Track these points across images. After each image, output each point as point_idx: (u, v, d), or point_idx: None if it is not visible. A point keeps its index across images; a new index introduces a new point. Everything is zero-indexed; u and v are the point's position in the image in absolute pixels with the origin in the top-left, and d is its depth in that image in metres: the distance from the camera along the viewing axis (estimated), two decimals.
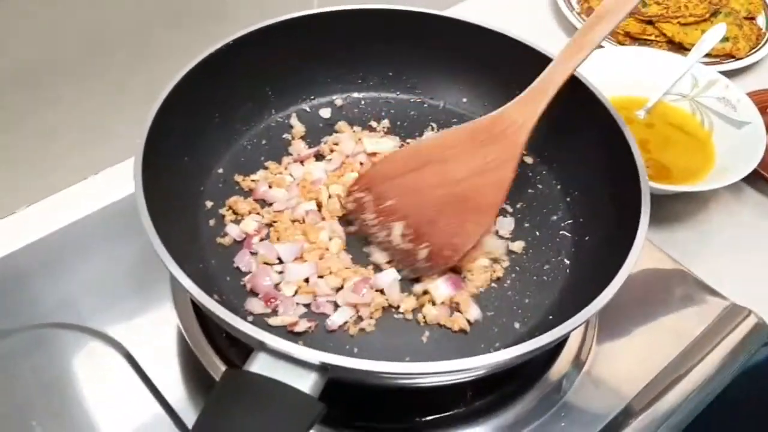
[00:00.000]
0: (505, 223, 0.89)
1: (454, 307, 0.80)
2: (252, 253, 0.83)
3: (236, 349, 0.80)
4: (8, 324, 0.83)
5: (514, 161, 0.81)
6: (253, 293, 0.80)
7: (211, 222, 0.86)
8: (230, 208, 0.88)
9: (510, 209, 0.91)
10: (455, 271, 0.83)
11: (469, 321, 0.79)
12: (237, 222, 0.86)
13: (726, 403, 0.90)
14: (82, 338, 0.82)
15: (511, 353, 0.64)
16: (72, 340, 0.83)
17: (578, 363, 0.85)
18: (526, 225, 0.90)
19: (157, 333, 0.84)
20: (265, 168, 0.93)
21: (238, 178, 0.91)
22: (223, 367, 0.79)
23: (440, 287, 0.81)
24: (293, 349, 0.62)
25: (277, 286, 0.80)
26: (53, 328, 0.83)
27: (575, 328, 0.67)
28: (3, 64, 0.90)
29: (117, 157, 1.04)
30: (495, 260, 0.85)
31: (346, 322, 0.79)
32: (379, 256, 0.83)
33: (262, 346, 0.63)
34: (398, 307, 0.80)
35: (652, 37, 1.38)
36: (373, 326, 0.79)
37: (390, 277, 0.81)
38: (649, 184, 0.79)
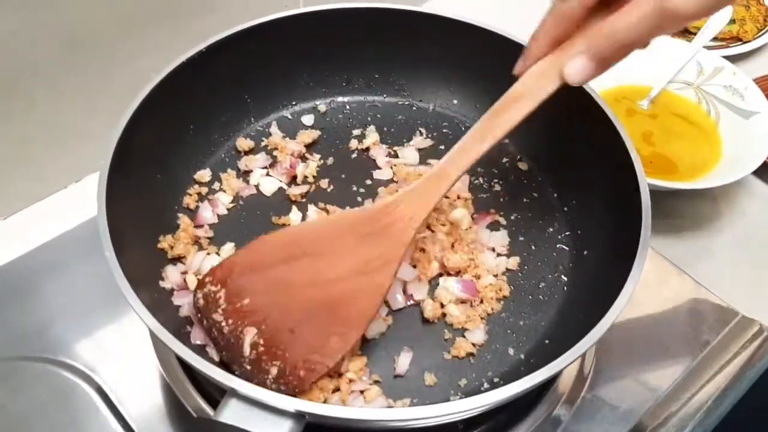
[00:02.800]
0: (498, 237, 0.84)
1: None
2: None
3: (219, 390, 0.75)
4: None
5: (395, 265, 0.70)
6: None
7: None
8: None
9: (503, 221, 0.86)
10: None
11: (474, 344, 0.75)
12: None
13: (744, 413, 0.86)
14: (51, 371, 0.78)
15: (501, 395, 0.60)
16: (40, 373, 0.78)
17: (579, 384, 0.80)
18: (521, 239, 0.85)
19: (133, 365, 0.80)
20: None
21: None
22: (207, 408, 0.74)
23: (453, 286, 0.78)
24: (266, 396, 0.58)
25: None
26: (18, 361, 0.79)
27: (573, 361, 0.62)
28: None
29: (98, 163, 0.98)
30: (496, 276, 0.81)
31: None
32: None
33: (234, 392, 0.59)
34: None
35: None
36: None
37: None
38: (649, 192, 0.74)
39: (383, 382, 0.73)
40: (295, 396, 0.64)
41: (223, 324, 0.70)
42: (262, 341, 0.69)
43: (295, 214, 0.85)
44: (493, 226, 0.85)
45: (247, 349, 0.69)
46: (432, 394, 0.72)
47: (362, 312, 0.70)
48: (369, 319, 0.70)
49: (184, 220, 0.82)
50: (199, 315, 0.73)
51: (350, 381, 0.71)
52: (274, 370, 0.68)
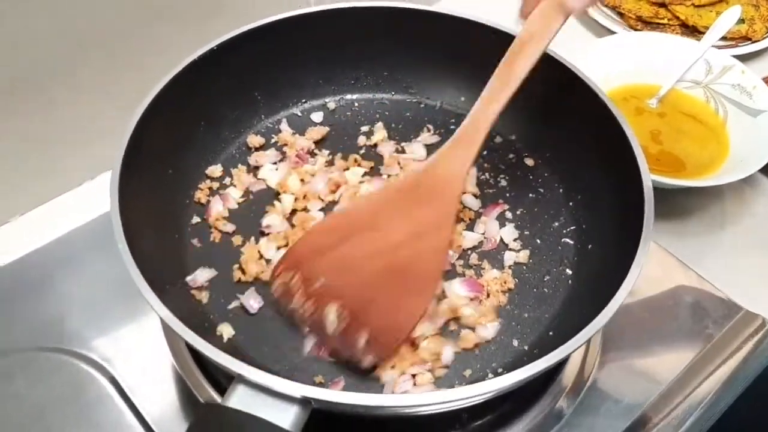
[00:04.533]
0: (507, 233, 0.85)
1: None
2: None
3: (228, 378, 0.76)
4: None
5: (450, 221, 0.73)
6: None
7: (195, 240, 0.83)
8: (214, 227, 0.84)
9: (510, 215, 0.87)
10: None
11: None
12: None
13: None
14: (67, 362, 0.80)
15: (504, 382, 0.60)
16: (56, 364, 0.80)
17: (582, 376, 0.80)
18: (526, 233, 0.86)
19: (145, 356, 0.81)
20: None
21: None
22: (217, 398, 0.75)
23: (456, 287, 0.79)
24: (273, 382, 0.59)
25: None
26: (35, 351, 0.81)
27: (575, 350, 0.63)
28: None
29: (112, 160, 1.00)
30: (502, 269, 0.82)
31: None
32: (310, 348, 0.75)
33: (241, 378, 0.60)
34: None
35: (665, 21, 1.32)
36: None
37: None
38: (652, 187, 0.74)
39: None
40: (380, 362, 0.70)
41: (305, 308, 0.74)
42: (345, 314, 0.71)
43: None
44: (501, 221, 0.86)
45: (330, 327, 0.72)
46: (437, 384, 0.73)
47: (430, 271, 0.73)
48: (438, 277, 0.74)
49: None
50: (280, 307, 0.76)
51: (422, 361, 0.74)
52: (362, 341, 0.71)
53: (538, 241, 0.85)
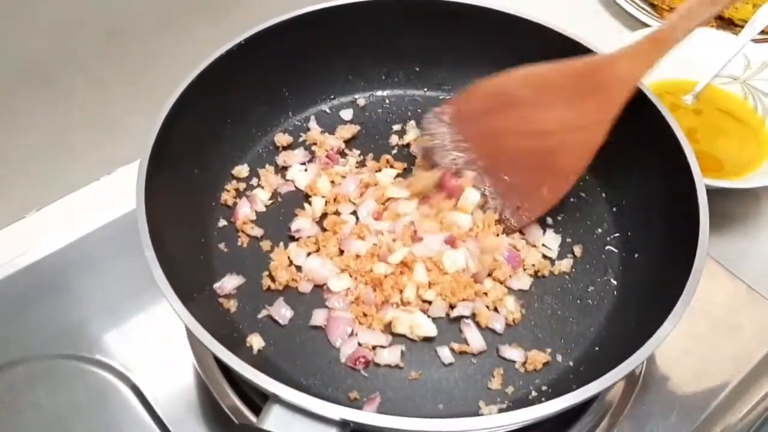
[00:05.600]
0: (550, 239, 0.82)
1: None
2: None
3: (256, 390, 0.73)
4: (9, 355, 0.78)
5: (608, 123, 0.72)
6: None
7: (222, 245, 0.80)
8: (242, 231, 0.81)
9: (550, 221, 0.83)
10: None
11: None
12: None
13: None
14: (87, 370, 0.77)
15: (552, 407, 0.57)
16: (75, 372, 0.77)
17: (626, 394, 0.77)
18: (568, 240, 0.82)
19: (169, 364, 0.78)
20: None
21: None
22: (243, 408, 0.72)
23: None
24: (310, 404, 0.56)
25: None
26: (54, 359, 0.78)
27: (625, 376, 0.59)
28: (13, 59, 0.85)
29: (133, 153, 0.97)
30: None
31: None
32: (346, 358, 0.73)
33: (277, 398, 0.57)
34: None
35: None
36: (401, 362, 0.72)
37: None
38: (706, 194, 0.72)
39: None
40: None
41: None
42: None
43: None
44: (540, 225, 0.82)
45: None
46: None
47: (571, 166, 0.73)
48: (578, 174, 0.73)
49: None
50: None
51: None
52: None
53: (581, 249, 0.81)
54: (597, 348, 0.72)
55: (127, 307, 0.83)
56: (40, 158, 0.95)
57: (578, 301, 0.77)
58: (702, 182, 0.71)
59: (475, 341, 0.73)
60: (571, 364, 0.72)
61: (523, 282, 0.77)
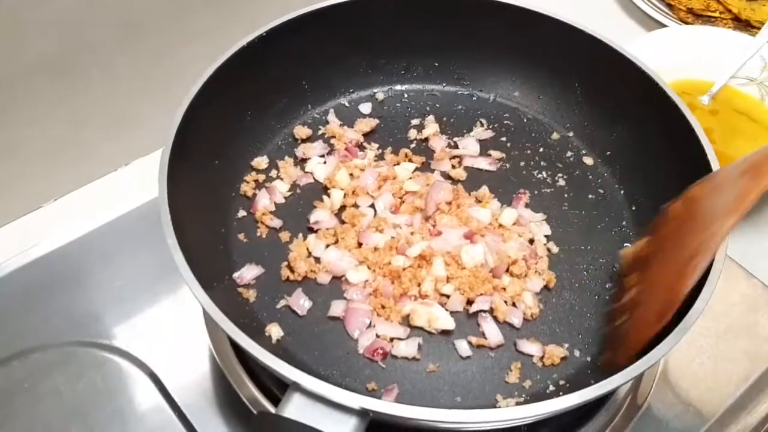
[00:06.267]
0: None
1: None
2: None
3: (274, 379, 0.74)
4: (27, 343, 0.78)
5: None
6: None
7: (241, 235, 0.80)
8: (261, 222, 0.81)
9: (569, 216, 0.83)
10: None
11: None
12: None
13: None
14: (106, 358, 0.78)
15: (569, 401, 0.58)
16: (94, 359, 0.78)
17: (640, 392, 0.77)
18: (585, 236, 0.82)
19: (186, 352, 0.79)
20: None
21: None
22: (260, 397, 0.73)
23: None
24: (331, 392, 0.56)
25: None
26: (73, 346, 0.78)
27: (646, 370, 0.59)
28: (29, 52, 0.85)
29: (148, 145, 0.99)
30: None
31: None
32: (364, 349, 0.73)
33: (297, 387, 0.57)
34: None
35: (717, 14, 1.27)
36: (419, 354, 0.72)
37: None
38: None
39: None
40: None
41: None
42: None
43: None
44: (550, 221, 0.83)
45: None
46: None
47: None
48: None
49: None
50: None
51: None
52: None
53: (599, 246, 0.81)
54: None
55: (144, 297, 0.83)
56: (57, 150, 0.95)
57: (596, 297, 0.76)
58: None
59: (493, 335, 0.73)
60: (588, 359, 0.72)
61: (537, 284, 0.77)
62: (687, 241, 0.67)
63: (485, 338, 0.73)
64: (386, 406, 0.56)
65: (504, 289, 0.76)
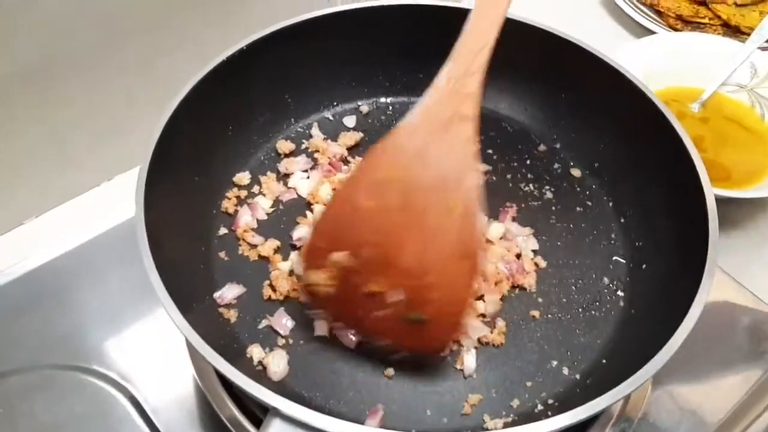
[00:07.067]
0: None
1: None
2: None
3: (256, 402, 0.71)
4: (4, 365, 0.77)
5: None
6: None
7: (222, 253, 0.78)
8: (243, 239, 0.80)
9: (557, 230, 0.82)
10: None
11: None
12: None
13: None
14: (84, 381, 0.76)
15: (562, 421, 0.56)
16: (72, 382, 0.76)
17: (633, 405, 0.75)
18: (574, 250, 0.80)
19: (168, 375, 0.77)
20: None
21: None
22: (243, 420, 0.71)
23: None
24: (311, 418, 0.55)
25: None
26: (51, 369, 0.76)
27: (637, 388, 0.58)
28: (10, 62, 0.84)
29: (132, 159, 0.95)
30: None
31: None
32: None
33: (277, 412, 0.56)
34: None
35: (706, 20, 1.26)
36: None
37: None
38: (715, 204, 0.70)
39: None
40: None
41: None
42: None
43: None
44: (537, 234, 0.82)
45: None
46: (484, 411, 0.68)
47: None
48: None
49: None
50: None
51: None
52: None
53: (588, 259, 0.79)
54: (604, 360, 0.71)
55: (126, 317, 0.82)
56: (39, 164, 0.94)
57: (585, 313, 0.75)
58: (711, 192, 0.70)
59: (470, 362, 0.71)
60: (577, 377, 0.70)
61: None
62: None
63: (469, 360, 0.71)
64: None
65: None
